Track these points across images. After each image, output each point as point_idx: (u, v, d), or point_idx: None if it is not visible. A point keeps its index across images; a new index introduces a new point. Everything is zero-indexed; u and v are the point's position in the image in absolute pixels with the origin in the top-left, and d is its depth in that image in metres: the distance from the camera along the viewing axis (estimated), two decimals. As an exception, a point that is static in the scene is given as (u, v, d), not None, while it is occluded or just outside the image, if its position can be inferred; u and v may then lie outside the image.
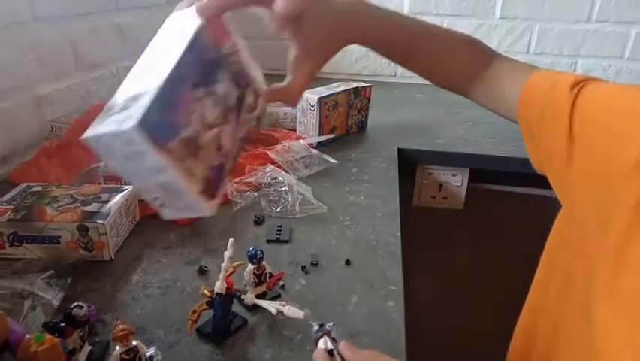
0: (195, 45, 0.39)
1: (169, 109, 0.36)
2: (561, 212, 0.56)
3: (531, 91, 0.57)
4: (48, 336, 0.42)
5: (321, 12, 0.50)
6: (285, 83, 0.50)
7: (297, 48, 0.50)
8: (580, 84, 0.53)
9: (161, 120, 0.35)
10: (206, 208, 0.39)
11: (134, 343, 0.45)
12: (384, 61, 1.66)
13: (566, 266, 0.52)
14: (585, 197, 0.49)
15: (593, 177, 0.48)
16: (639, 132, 0.44)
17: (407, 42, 0.61)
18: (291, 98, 0.52)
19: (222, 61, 0.42)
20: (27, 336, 0.43)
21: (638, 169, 0.43)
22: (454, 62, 0.64)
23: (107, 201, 0.69)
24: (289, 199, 0.81)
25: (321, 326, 0.45)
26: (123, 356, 0.44)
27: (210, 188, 0.39)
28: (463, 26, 1.62)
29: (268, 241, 0.72)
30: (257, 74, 0.48)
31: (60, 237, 0.65)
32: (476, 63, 0.64)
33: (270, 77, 0.49)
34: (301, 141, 1.02)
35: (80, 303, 0.47)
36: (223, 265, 0.52)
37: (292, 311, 0.52)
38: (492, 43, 1.60)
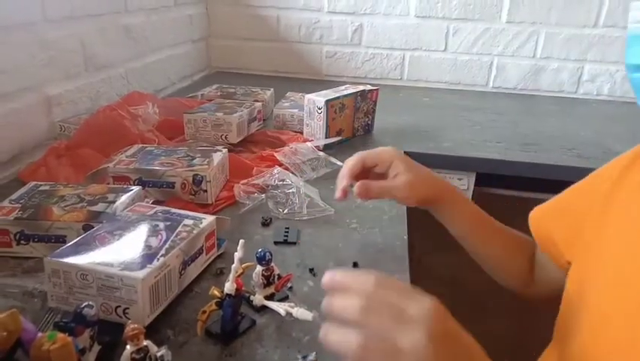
0: None
1: (82, 245, 0.57)
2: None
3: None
4: (60, 335, 0.43)
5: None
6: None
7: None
8: None
9: (74, 251, 0.55)
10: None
11: (145, 342, 0.45)
12: (391, 64, 1.68)
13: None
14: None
15: None
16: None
17: (474, 221, 0.76)
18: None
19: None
20: (39, 334, 0.44)
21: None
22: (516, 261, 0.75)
23: (113, 202, 0.69)
24: (296, 201, 0.81)
25: (304, 357, 0.51)
26: (134, 355, 0.45)
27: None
28: (468, 30, 1.62)
29: (275, 243, 0.73)
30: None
31: (66, 236, 0.65)
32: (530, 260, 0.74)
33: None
34: (308, 143, 1.02)
35: (90, 303, 0.47)
36: (233, 266, 0.52)
37: (301, 313, 0.52)
38: (498, 48, 1.62)
